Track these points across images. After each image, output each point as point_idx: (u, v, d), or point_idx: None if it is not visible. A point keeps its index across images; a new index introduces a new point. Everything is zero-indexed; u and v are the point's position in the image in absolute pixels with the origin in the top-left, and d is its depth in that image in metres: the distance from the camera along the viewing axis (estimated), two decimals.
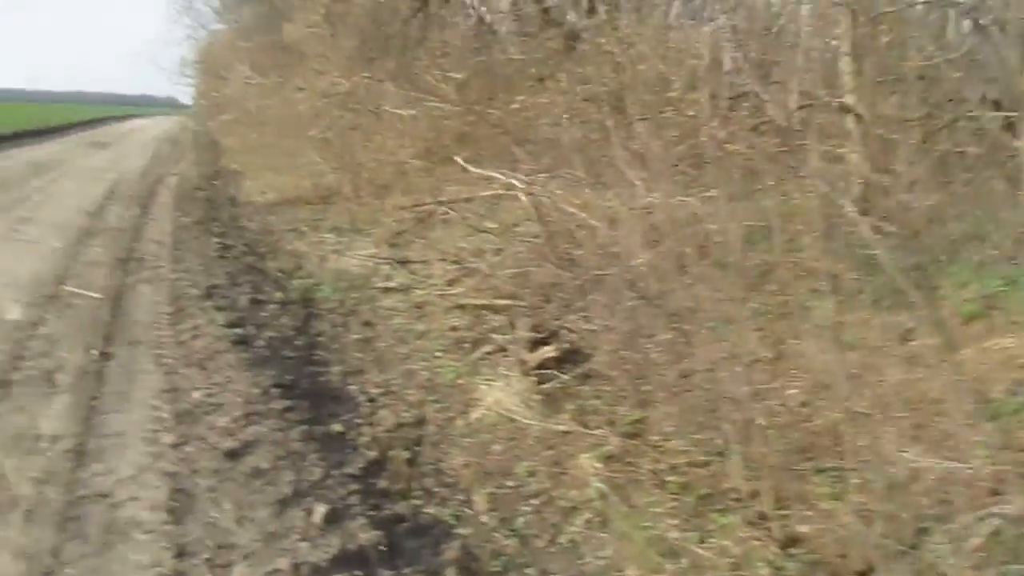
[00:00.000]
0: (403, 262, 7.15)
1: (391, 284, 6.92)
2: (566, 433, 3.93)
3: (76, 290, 5.73)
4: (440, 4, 10.65)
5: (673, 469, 3.36)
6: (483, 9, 11.11)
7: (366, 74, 9.64)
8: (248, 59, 12.89)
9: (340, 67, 10.42)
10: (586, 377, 4.42)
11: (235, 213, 10.51)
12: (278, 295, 6.32)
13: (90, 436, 3.35)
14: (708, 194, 4.62)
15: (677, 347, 3.72)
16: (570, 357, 4.57)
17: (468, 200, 9.40)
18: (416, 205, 9.27)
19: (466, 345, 5.22)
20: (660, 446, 3.57)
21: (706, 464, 3.31)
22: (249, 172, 15.59)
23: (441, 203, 9.31)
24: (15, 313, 5.04)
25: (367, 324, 5.90)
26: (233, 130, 23.65)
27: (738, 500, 3.05)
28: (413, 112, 8.96)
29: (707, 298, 3.66)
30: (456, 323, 5.66)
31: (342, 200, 11.32)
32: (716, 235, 4.05)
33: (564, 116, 7.21)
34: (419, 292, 6.55)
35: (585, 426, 3.97)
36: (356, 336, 5.57)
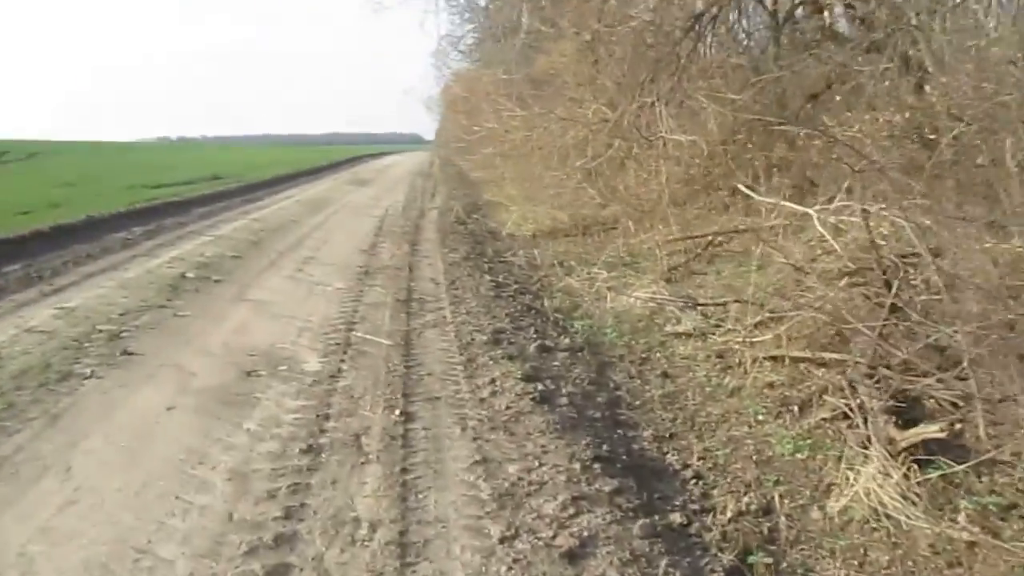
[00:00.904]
0: (695, 304, 6.45)
1: (681, 328, 6.25)
2: (971, 545, 3.02)
3: (366, 335, 5.62)
4: (711, 22, 9.92)
5: None
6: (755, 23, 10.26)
7: (638, 100, 9.12)
8: (501, 93, 12.87)
9: (606, 95, 10.04)
10: (980, 465, 3.46)
11: (499, 247, 10.38)
12: (564, 340, 5.87)
13: (411, 522, 2.96)
14: None
15: None
16: (953, 436, 3.62)
17: (752, 231, 8.57)
18: (694, 237, 8.58)
19: (792, 408, 4.43)
20: None
21: None
22: (505, 204, 15.73)
23: (722, 235, 8.56)
24: (314, 363, 4.96)
25: (666, 376, 5.27)
26: (483, 163, 24.40)
27: None
28: (693, 138, 8.27)
29: None
30: (772, 378, 4.88)
31: (609, 232, 10.90)
32: None
33: (885, 137, 6.16)
34: (717, 338, 5.83)
35: (996, 535, 3.05)
36: (658, 391, 4.95)
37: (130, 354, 5.08)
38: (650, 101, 9.11)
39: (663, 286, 7.49)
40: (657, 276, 8.01)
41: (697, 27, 9.91)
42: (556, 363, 5.27)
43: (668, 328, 6.31)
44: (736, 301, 6.26)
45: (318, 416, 4.04)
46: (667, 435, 4.29)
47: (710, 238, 8.66)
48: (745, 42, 11.19)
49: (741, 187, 8.40)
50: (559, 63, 11.20)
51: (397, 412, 4.11)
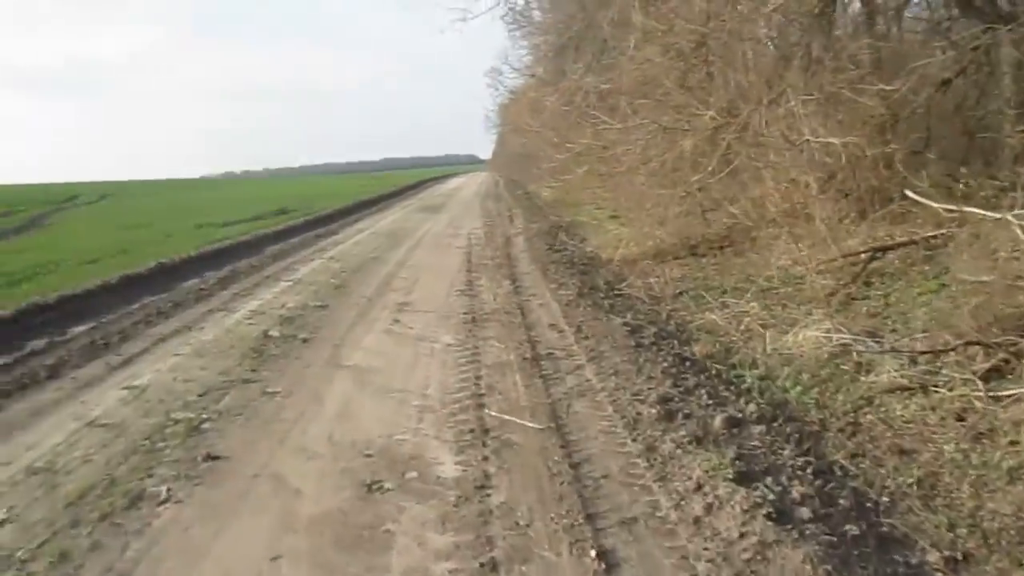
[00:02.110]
0: (891, 346, 5.12)
1: (884, 378, 4.93)
2: None
3: (502, 415, 4.43)
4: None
5: None
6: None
7: (765, 100, 7.80)
8: (586, 106, 11.63)
9: (723, 98, 8.74)
10: None
11: (607, 277, 9.14)
12: (746, 405, 4.59)
13: None
14: None
15: None
16: None
17: (923, 242, 7.20)
18: (855, 254, 7.22)
19: None
20: None
21: None
22: (594, 224, 14.51)
23: (886, 249, 7.18)
24: (450, 465, 3.77)
25: (901, 453, 3.97)
26: (556, 181, 23.23)
27: None
28: (847, 139, 6.91)
29: None
30: None
31: (725, 252, 9.58)
32: None
33: None
34: (945, 392, 4.52)
35: None
36: (903, 478, 3.65)
37: (215, 458, 3.97)
38: (782, 100, 7.77)
39: (833, 319, 6.16)
40: (817, 306, 6.74)
41: (830, 9, 8.57)
42: (757, 444, 4.00)
43: (864, 379, 5.00)
44: (962, 342, 4.91)
45: (482, 566, 2.84)
46: (960, 556, 3.00)
47: (869, 255, 7.29)
48: (885, 25, 9.76)
49: (911, 193, 7.01)
50: (654, 68, 9.91)
51: (592, 554, 2.88)
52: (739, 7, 8.58)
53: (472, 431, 4.20)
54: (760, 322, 6.56)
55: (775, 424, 4.33)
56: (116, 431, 4.43)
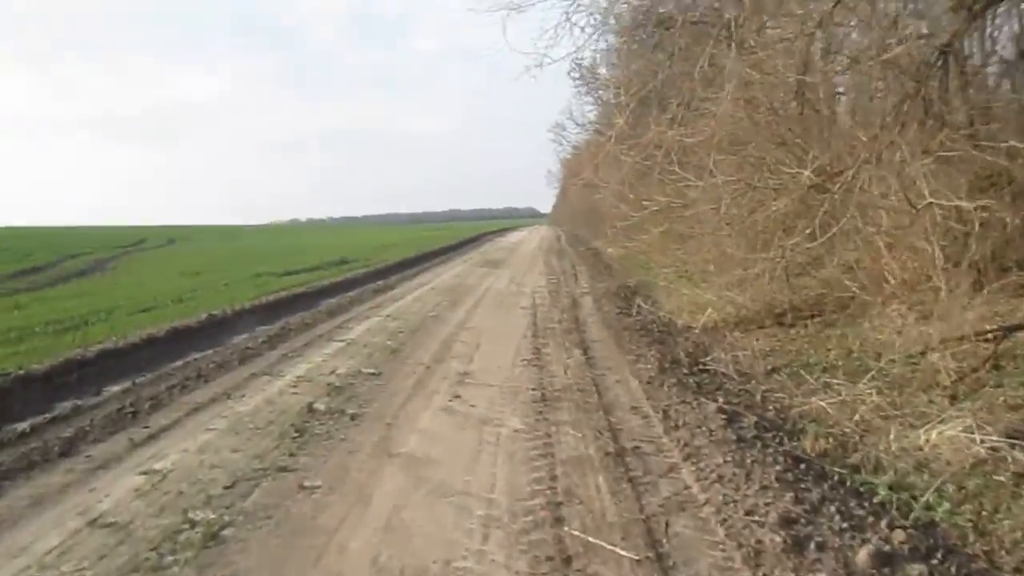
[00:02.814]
0: None
1: None
2: None
3: (587, 537, 3.56)
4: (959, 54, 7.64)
5: None
6: None
7: (874, 156, 6.89)
8: (660, 163, 10.82)
9: (823, 154, 7.86)
10: None
11: (688, 348, 8.23)
12: (891, 531, 3.64)
13: None
14: None
15: None
16: None
17: None
18: (983, 333, 6.23)
19: None
20: None
21: None
22: (664, 287, 13.60)
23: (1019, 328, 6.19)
24: None
25: None
26: (621, 238, 22.41)
27: None
28: (983, 202, 5.95)
29: None
30: None
31: (814, 322, 8.61)
32: None
33: None
34: None
35: None
36: None
37: None
38: (895, 157, 6.84)
39: (975, 416, 5.15)
40: (942, 393, 5.79)
41: (943, 60, 7.66)
42: None
43: None
44: None
45: None
46: None
47: (1000, 334, 6.30)
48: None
49: None
50: (747, 122, 9.09)
51: None
52: (843, 55, 7.78)
53: (550, 559, 3.33)
54: (879, 412, 5.59)
55: (934, 561, 3.37)
56: (121, 534, 3.68)
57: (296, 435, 5.23)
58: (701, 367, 7.45)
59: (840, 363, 7.07)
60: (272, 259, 25.00)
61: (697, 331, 9.50)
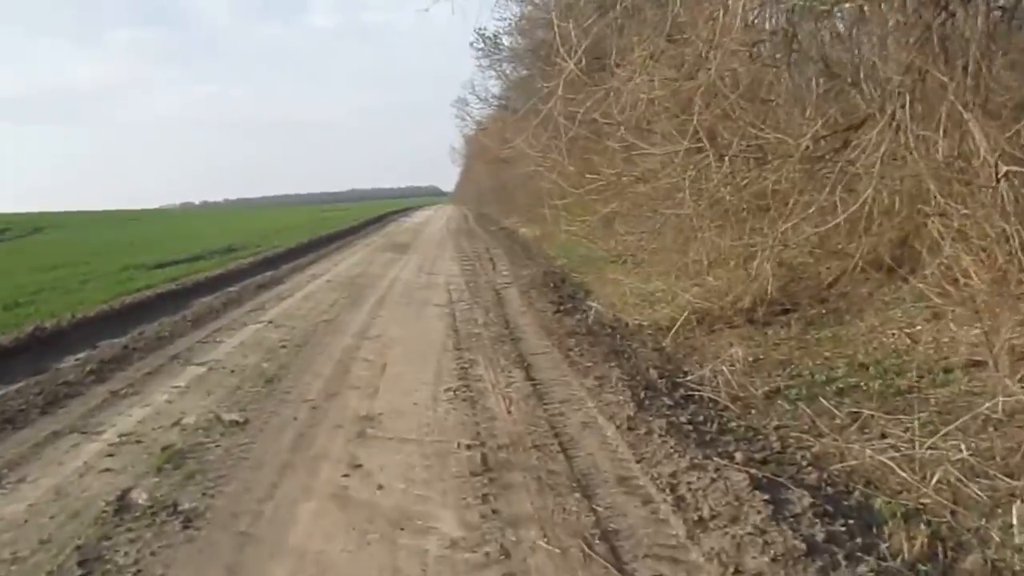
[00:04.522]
0: None
1: None
2: None
3: None
4: None
5: None
6: None
7: (910, 108, 5.17)
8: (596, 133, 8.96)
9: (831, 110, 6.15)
10: None
11: (653, 360, 6.45)
12: None
13: None
14: None
15: None
16: None
17: None
18: None
19: None
20: None
21: None
22: (592, 272, 11.87)
23: None
24: None
25: None
26: (532, 216, 20.61)
27: None
28: None
29: None
30: None
31: (803, 321, 7.01)
32: None
33: None
34: None
35: None
36: None
37: None
38: (942, 109, 5.13)
39: None
40: None
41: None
42: None
43: None
44: None
45: None
46: None
47: None
48: None
49: None
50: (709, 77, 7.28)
51: None
52: None
53: None
54: (964, 467, 3.90)
55: None
56: None
57: (81, 571, 3.07)
58: (684, 392, 5.65)
59: (856, 380, 5.45)
60: (151, 248, 22.02)
61: (652, 332, 7.74)
